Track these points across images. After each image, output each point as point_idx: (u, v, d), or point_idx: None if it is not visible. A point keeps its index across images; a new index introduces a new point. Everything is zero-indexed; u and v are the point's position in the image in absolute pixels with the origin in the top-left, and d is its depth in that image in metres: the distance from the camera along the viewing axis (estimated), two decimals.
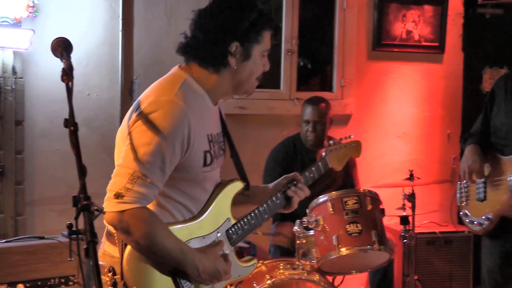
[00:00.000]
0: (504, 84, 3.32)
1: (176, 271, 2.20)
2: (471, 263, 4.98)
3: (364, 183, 4.64)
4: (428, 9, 5.33)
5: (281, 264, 3.64)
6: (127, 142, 2.15)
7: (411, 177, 4.73)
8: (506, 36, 5.63)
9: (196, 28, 2.29)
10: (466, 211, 3.37)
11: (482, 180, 3.27)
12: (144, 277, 2.20)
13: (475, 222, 3.30)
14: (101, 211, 3.95)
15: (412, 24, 5.30)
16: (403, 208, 4.71)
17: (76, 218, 1.73)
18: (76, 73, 1.91)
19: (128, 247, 2.18)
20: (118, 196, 2.09)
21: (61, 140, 4.39)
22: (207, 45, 2.25)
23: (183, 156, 2.18)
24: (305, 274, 3.54)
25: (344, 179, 4.51)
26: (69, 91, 1.86)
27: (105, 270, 2.24)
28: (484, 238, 3.36)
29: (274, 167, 4.31)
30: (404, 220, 4.60)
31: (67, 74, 1.88)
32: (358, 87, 5.26)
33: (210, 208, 2.36)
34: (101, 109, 4.62)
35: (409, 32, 5.30)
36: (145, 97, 2.24)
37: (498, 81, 3.41)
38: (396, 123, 5.39)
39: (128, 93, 4.68)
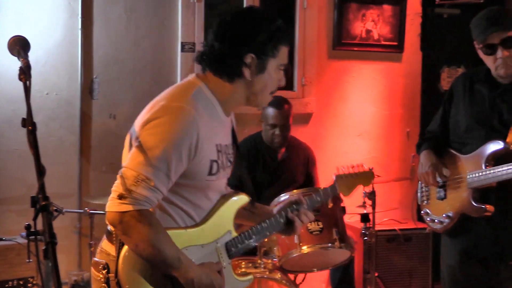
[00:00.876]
0: (461, 83, 3.36)
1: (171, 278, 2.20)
2: (430, 260, 5.04)
3: (325, 181, 4.66)
4: (387, 8, 5.38)
5: (243, 262, 3.64)
6: (135, 144, 2.17)
7: None
8: (463, 36, 5.68)
9: (213, 37, 2.28)
10: (427, 210, 3.40)
11: (440, 180, 3.31)
12: (138, 278, 2.19)
13: (435, 221, 3.34)
14: (60, 211, 3.91)
15: (372, 24, 5.35)
16: (363, 206, 4.75)
17: (35, 219, 1.71)
18: (34, 72, 1.89)
19: (126, 247, 2.17)
20: (121, 197, 2.09)
21: (19, 140, 4.33)
22: (222, 54, 2.25)
23: (189, 163, 2.18)
24: (267, 273, 3.55)
25: (304, 177, 4.53)
26: (27, 90, 1.83)
27: (100, 267, 2.26)
28: (444, 235, 3.40)
29: None
30: (364, 217, 4.64)
31: (25, 73, 1.86)
32: (318, 86, 5.28)
33: (212, 217, 2.36)
34: (60, 109, 4.56)
35: (368, 32, 5.34)
36: (158, 101, 2.26)
37: (456, 80, 3.45)
38: (356, 122, 5.43)
39: (88, 92, 4.64)
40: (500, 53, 3.05)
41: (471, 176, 3.14)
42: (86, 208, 4.06)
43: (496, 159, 3.07)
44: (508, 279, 3.20)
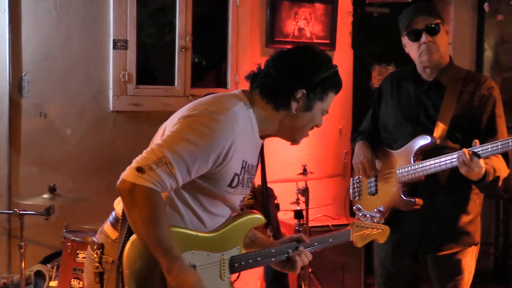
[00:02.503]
0: (389, 82, 3.43)
1: None
2: (362, 255, 5.13)
3: (259, 178, 4.69)
4: (319, 7, 5.44)
5: None
6: (173, 129, 2.22)
7: (304, 172, 4.83)
8: (393, 34, 5.81)
9: (271, 65, 2.37)
10: (359, 206, 3.46)
11: (373, 174, 3.38)
12: (140, 266, 2.21)
13: (367, 216, 3.38)
14: None
15: (304, 22, 5.40)
16: (297, 202, 4.80)
17: None
18: None
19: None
20: (139, 170, 2.12)
21: None
22: (277, 83, 2.33)
23: (214, 169, 2.23)
24: None
25: None
26: None
27: (95, 246, 2.32)
28: None
29: None
30: (298, 214, 4.69)
31: None
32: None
33: (224, 229, 2.39)
34: None
35: (301, 29, 5.39)
36: (206, 102, 2.33)
37: (384, 79, 3.52)
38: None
39: (17, 90, 4.54)
40: (424, 38, 3.14)
41: (400, 170, 3.21)
42: (16, 209, 3.96)
43: (424, 153, 3.15)
44: (435, 270, 3.28)
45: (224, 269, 2.38)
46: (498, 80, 6.03)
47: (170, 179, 2.15)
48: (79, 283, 3.79)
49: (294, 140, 2.49)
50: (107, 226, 2.37)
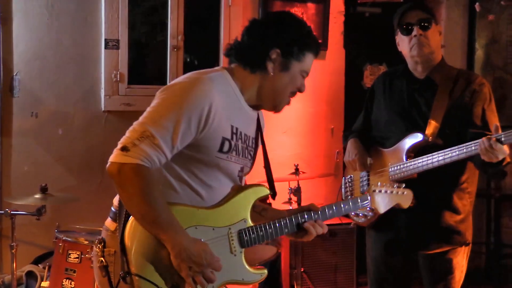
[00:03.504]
0: (382, 81, 3.45)
1: None
2: (354, 254, 5.13)
3: (251, 178, 4.69)
4: (311, 6, 5.44)
5: None
6: (152, 104, 2.24)
7: (296, 172, 4.84)
8: (385, 34, 5.82)
9: (245, 33, 2.42)
10: None
11: (366, 173, 3.38)
12: (144, 244, 2.21)
13: (360, 215, 3.40)
14: None
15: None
16: (289, 202, 4.80)
17: None
18: None
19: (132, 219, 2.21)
20: (124, 149, 2.14)
21: None
22: (250, 45, 2.38)
23: (199, 134, 2.23)
24: None
25: None
26: None
27: (97, 242, 2.33)
28: (369, 229, 3.47)
29: None
30: None
31: None
32: None
33: (228, 202, 2.38)
34: None
35: None
36: (182, 76, 2.35)
37: (377, 79, 3.53)
38: (281, 119, 5.46)
39: (8, 90, 4.52)
40: (415, 31, 3.15)
41: (393, 169, 3.21)
42: (7, 209, 3.95)
43: (416, 151, 3.15)
44: (426, 269, 3.29)
45: (233, 243, 2.35)
46: (489, 80, 6.05)
47: (156, 151, 2.16)
48: (70, 284, 3.78)
49: (275, 107, 2.47)
50: (107, 221, 2.39)
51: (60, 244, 3.84)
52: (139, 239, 2.21)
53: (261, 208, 2.56)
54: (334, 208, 2.62)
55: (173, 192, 2.28)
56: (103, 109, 4.74)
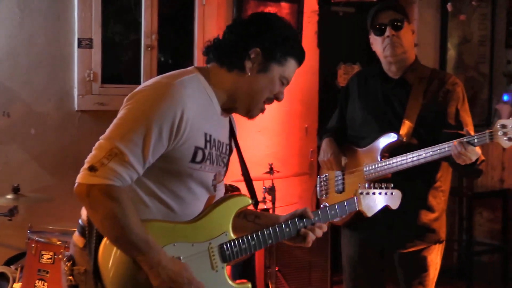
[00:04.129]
0: (357, 80, 3.47)
1: None
2: (329, 253, 5.16)
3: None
4: (285, 6, 5.46)
5: None
6: (119, 115, 2.08)
7: (270, 171, 4.84)
8: (358, 33, 5.86)
9: (227, 30, 2.27)
10: (326, 204, 3.46)
11: (341, 172, 3.40)
12: (117, 268, 2.09)
13: None
14: None
15: None
16: (263, 201, 4.80)
17: None
18: None
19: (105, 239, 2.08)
20: (92, 168, 1.99)
21: None
22: (229, 43, 2.23)
23: (171, 145, 2.08)
24: None
25: None
26: None
27: (64, 259, 2.20)
28: (343, 228, 3.48)
29: None
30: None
31: None
32: None
33: (207, 216, 2.24)
34: None
35: None
36: (152, 80, 2.19)
37: (351, 78, 3.55)
38: (256, 118, 5.47)
39: None
40: (388, 32, 3.18)
41: (367, 168, 3.23)
42: None
43: (391, 151, 3.18)
44: (401, 267, 3.32)
45: (214, 259, 2.23)
46: (461, 79, 6.05)
47: (127, 169, 2.01)
48: (43, 284, 3.75)
49: (249, 111, 2.30)
50: (75, 236, 2.23)
51: (33, 245, 3.80)
52: (114, 261, 2.09)
53: (253, 216, 2.44)
54: (319, 214, 2.48)
55: (142, 206, 2.13)
56: (76, 109, 4.71)
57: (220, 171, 2.34)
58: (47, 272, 3.75)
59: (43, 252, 3.78)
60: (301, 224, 2.41)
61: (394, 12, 3.21)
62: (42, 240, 3.81)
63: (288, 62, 2.26)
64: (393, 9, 3.22)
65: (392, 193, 2.68)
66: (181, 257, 2.15)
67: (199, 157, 2.17)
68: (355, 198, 2.59)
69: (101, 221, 2.03)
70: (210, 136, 2.21)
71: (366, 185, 2.65)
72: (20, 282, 3.95)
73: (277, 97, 2.31)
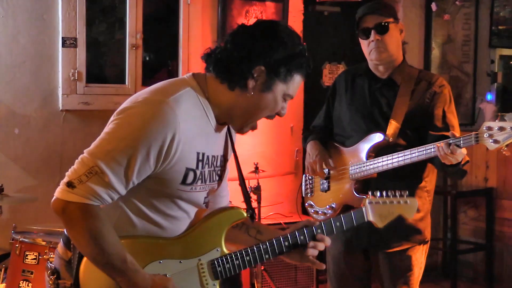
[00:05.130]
0: (344, 78, 3.46)
1: None
2: None
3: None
4: (270, 5, 5.46)
5: None
6: (106, 129, 1.99)
7: (256, 170, 4.84)
8: (343, 33, 5.88)
9: (229, 40, 2.08)
10: (311, 202, 3.48)
11: (326, 171, 3.40)
12: (99, 284, 2.02)
13: (319, 212, 3.42)
14: None
15: (255, 20, 5.39)
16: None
17: None
18: None
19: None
20: (70, 185, 1.91)
21: None
22: (233, 57, 2.04)
23: (159, 167, 1.97)
24: None
25: None
26: None
27: (49, 272, 2.12)
28: None
29: None
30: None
31: None
32: None
33: (196, 231, 2.14)
34: None
35: None
36: (143, 92, 2.06)
37: (338, 76, 3.55)
38: None
39: None
40: (372, 36, 3.18)
41: (353, 168, 3.24)
42: None
43: (377, 151, 3.18)
44: (386, 267, 3.32)
45: (204, 276, 2.12)
46: (446, 78, 6.09)
47: (106, 189, 1.92)
48: (28, 285, 3.73)
49: (242, 129, 2.19)
50: (60, 247, 2.16)
51: (17, 245, 3.78)
52: (96, 277, 2.02)
53: (255, 231, 2.33)
54: (323, 227, 2.29)
55: (130, 226, 2.06)
56: (61, 108, 4.68)
57: (214, 186, 2.22)
58: (32, 273, 3.73)
59: (27, 253, 3.76)
60: (301, 238, 2.25)
61: (379, 16, 3.20)
62: (26, 240, 3.79)
63: (294, 78, 2.12)
64: (378, 13, 3.21)
65: (407, 202, 2.44)
66: (167, 275, 2.07)
67: (190, 178, 2.06)
68: (363, 209, 2.39)
69: (77, 239, 1.98)
70: (203, 154, 2.10)
71: (378, 194, 2.42)
72: (4, 282, 3.92)
73: (279, 114, 2.18)
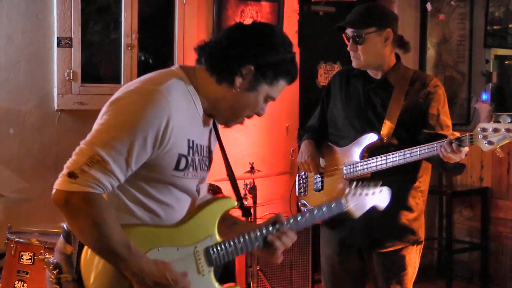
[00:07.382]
0: (338, 79, 3.48)
1: None
2: (310, 252, 5.17)
3: (208, 176, 4.68)
4: (265, 5, 5.46)
5: None
6: (100, 121, 2.03)
7: (251, 170, 4.85)
8: (338, 33, 5.87)
9: (225, 35, 2.16)
10: (304, 201, 3.49)
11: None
12: (101, 274, 2.05)
13: None
14: None
15: (250, 20, 5.37)
16: (245, 197, 4.80)
17: None
18: None
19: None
20: (71, 175, 1.93)
21: None
22: (224, 52, 2.12)
23: (154, 153, 2.03)
24: None
25: None
26: None
27: (51, 267, 2.14)
28: (323, 227, 3.49)
29: None
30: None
31: None
32: None
33: (192, 219, 2.20)
34: None
35: None
36: (133, 82, 2.13)
37: (334, 76, 3.56)
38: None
39: None
40: (348, 46, 3.24)
41: (347, 167, 3.24)
42: None
43: (371, 151, 3.19)
44: (380, 266, 3.33)
45: (200, 263, 2.19)
46: (441, 78, 6.17)
47: (108, 177, 1.96)
48: (23, 285, 3.72)
49: (227, 123, 2.27)
50: (60, 242, 2.18)
51: (12, 246, 3.78)
52: (97, 268, 2.05)
53: (231, 222, 2.40)
54: (307, 215, 2.43)
55: (128, 214, 2.09)
56: (56, 108, 4.68)
57: (203, 174, 2.29)
58: (27, 273, 3.72)
59: (22, 253, 3.75)
60: (270, 230, 2.33)
61: (355, 28, 3.21)
62: (21, 240, 3.78)
63: (279, 83, 2.20)
64: (354, 25, 3.21)
65: (380, 191, 2.64)
66: (166, 261, 2.10)
67: (182, 164, 2.13)
68: (343, 200, 2.52)
69: (81, 230, 2.00)
70: (193, 142, 2.17)
71: (354, 185, 2.58)
72: None
73: (258, 114, 2.26)
